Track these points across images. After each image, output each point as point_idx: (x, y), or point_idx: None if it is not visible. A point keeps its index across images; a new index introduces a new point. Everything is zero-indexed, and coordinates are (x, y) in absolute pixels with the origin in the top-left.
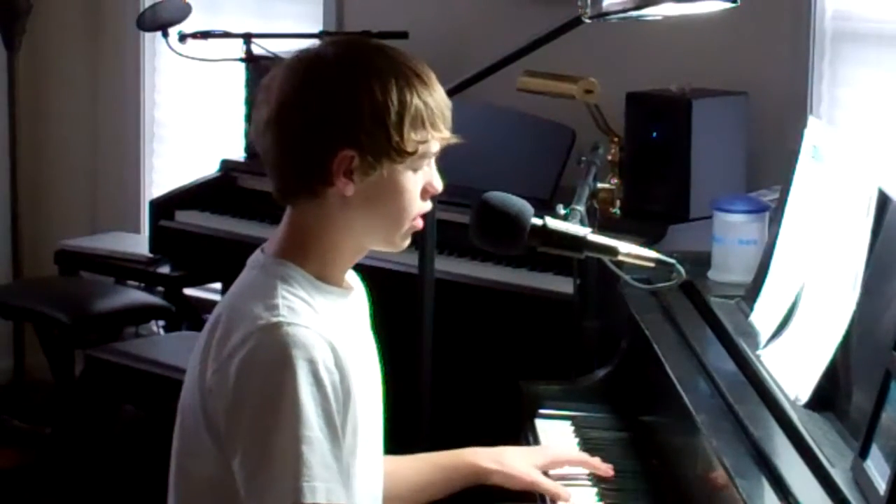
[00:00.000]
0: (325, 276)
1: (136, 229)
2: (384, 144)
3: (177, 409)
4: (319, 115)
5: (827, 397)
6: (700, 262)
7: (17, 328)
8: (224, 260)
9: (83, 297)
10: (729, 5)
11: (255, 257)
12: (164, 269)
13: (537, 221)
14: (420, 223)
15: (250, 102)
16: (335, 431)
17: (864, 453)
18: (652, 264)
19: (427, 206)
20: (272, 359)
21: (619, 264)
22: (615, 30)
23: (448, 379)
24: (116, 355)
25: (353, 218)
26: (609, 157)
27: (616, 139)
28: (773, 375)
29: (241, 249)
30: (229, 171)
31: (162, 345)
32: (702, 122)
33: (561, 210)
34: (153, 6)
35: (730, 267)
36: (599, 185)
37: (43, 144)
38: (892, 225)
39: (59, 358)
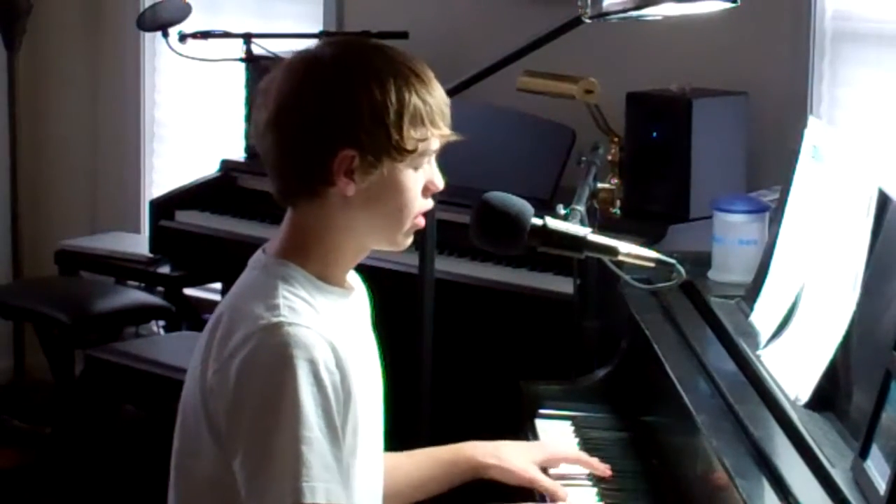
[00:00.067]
0: (327, 277)
1: (136, 229)
2: (384, 143)
3: (177, 409)
4: (319, 115)
5: (827, 397)
6: (700, 262)
7: (17, 328)
8: (224, 260)
9: (83, 297)
10: (729, 5)
11: (257, 257)
12: (164, 269)
13: (537, 221)
14: (422, 221)
15: (250, 102)
16: (335, 432)
17: (864, 453)
18: (652, 264)
19: (428, 203)
20: (273, 359)
21: (619, 264)
22: (615, 30)
23: (448, 379)
24: (116, 355)
25: (354, 218)
26: (609, 157)
27: (616, 139)
28: (774, 375)
29: (241, 249)
30: (229, 171)
31: (162, 345)
32: (702, 122)
33: (561, 210)
34: (153, 6)
35: (730, 267)
36: (599, 185)
37: (43, 144)
38: (892, 225)
39: (59, 358)
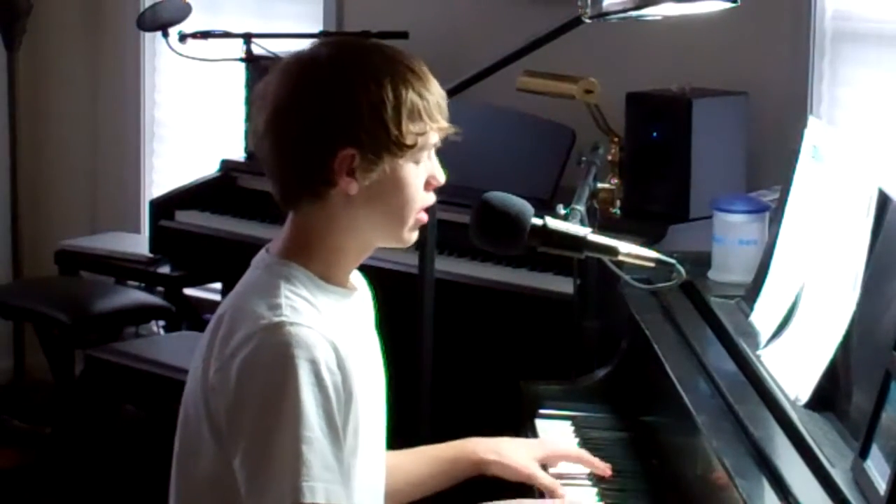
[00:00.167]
0: (329, 277)
1: (136, 229)
2: (384, 139)
3: (177, 409)
4: (317, 116)
5: (827, 397)
6: (700, 262)
7: (17, 328)
8: (224, 260)
9: (83, 297)
10: (729, 5)
11: (260, 257)
12: (164, 269)
13: (537, 221)
14: (425, 217)
15: (250, 102)
16: (336, 432)
17: (864, 453)
18: (652, 264)
19: (431, 198)
20: (274, 358)
21: (619, 264)
22: (615, 30)
23: (448, 379)
24: (116, 355)
25: (357, 216)
26: (609, 157)
27: (616, 139)
28: (774, 375)
29: (241, 249)
30: (229, 171)
31: (162, 345)
32: (702, 122)
33: (561, 210)
34: (153, 6)
35: (730, 267)
36: (599, 185)
37: (43, 144)
38: (892, 225)
39: (59, 358)
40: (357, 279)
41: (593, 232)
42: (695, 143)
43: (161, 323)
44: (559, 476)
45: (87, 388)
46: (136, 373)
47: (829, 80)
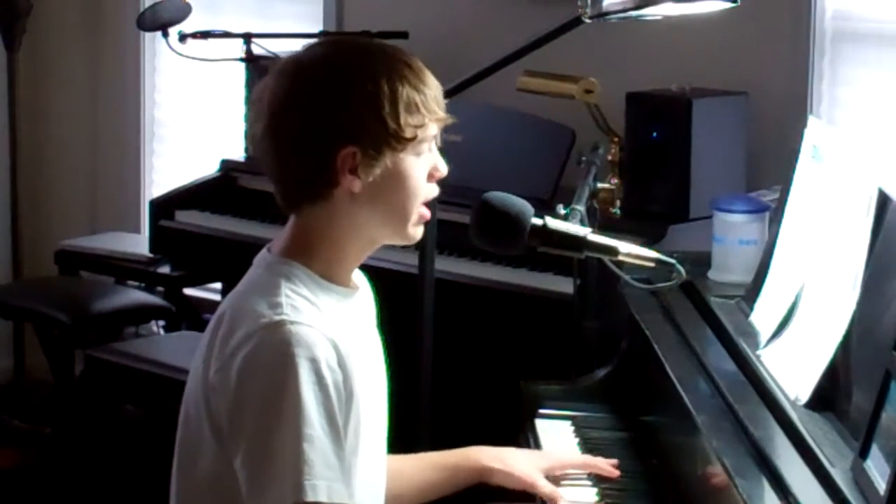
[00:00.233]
0: (331, 276)
1: (136, 229)
2: (383, 134)
3: (177, 409)
4: (315, 117)
5: (827, 397)
6: (700, 262)
7: (17, 328)
8: (224, 260)
9: (83, 297)
10: (729, 5)
11: (262, 256)
12: (164, 269)
13: (537, 221)
14: (428, 213)
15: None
16: (337, 430)
17: (864, 453)
18: (652, 264)
19: (434, 190)
20: (275, 357)
21: (619, 264)
22: (615, 30)
23: (448, 379)
24: (116, 355)
25: (362, 214)
26: (609, 157)
27: (616, 139)
28: (773, 375)
29: (242, 249)
30: (229, 171)
31: (162, 345)
32: (702, 122)
33: (561, 210)
34: (153, 6)
35: (730, 267)
36: (599, 185)
37: (43, 144)
38: (892, 225)
39: (59, 358)
40: (359, 278)
41: (593, 232)
42: (695, 143)
43: (161, 323)
44: (559, 476)
45: (87, 388)
46: (136, 373)
47: (829, 80)
